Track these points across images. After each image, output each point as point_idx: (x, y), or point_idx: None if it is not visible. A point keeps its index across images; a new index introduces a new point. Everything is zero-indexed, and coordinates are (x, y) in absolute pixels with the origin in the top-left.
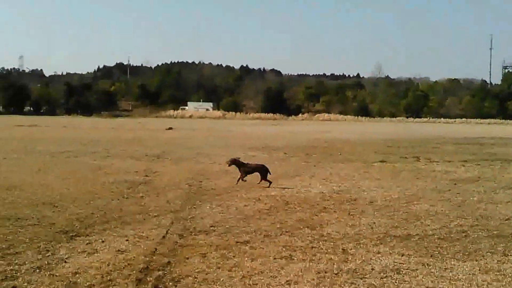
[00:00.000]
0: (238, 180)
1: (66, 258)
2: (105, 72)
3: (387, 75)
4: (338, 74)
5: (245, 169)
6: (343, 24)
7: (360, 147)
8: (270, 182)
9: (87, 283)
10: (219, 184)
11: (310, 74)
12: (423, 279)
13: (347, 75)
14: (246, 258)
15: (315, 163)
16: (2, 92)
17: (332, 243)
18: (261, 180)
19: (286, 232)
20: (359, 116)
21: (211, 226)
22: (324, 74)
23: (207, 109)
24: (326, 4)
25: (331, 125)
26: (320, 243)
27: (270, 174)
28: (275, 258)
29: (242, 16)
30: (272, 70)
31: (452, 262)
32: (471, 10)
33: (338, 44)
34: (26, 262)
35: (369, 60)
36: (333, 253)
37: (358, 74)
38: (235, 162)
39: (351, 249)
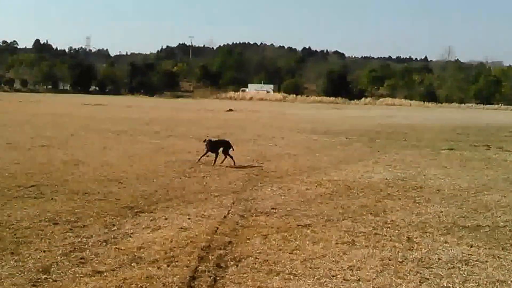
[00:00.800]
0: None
1: (131, 233)
2: (168, 53)
3: (457, 59)
4: (404, 57)
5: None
6: (410, 4)
7: (427, 134)
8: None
9: (151, 258)
10: (280, 167)
11: (375, 57)
12: (493, 272)
13: (413, 58)
14: (307, 242)
15: (379, 149)
16: (70, 71)
17: (396, 231)
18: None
19: (349, 217)
20: (425, 102)
21: (272, 208)
22: (390, 57)
23: (268, 91)
24: None
25: (396, 110)
26: (384, 230)
27: (233, 149)
28: (337, 243)
29: None
30: (335, 52)
31: None
32: None
33: (405, 25)
34: (93, 235)
35: (437, 43)
36: (398, 240)
37: (425, 57)
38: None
39: (416, 238)
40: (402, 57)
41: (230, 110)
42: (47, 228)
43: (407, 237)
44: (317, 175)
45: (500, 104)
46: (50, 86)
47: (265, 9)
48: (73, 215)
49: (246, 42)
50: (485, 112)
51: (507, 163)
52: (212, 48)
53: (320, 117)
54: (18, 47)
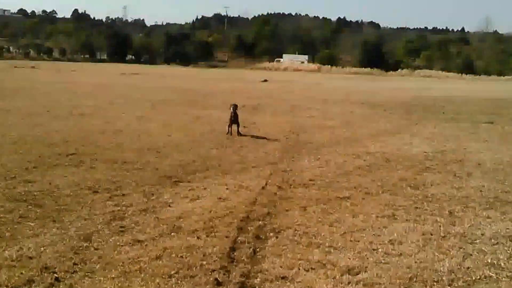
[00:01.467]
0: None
1: (170, 203)
2: (203, 23)
3: (496, 30)
4: (441, 28)
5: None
6: None
7: (465, 106)
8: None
9: (191, 228)
10: (317, 138)
11: (411, 28)
12: None
13: (450, 29)
14: (347, 214)
15: (417, 121)
16: (107, 41)
17: (437, 205)
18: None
19: (388, 190)
20: (463, 74)
21: (310, 180)
22: (426, 28)
23: (302, 62)
24: None
25: (433, 82)
26: (425, 203)
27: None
28: (377, 216)
29: None
30: (370, 22)
31: None
32: None
33: None
34: (133, 204)
35: (475, 13)
36: (439, 215)
37: (463, 28)
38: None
39: (458, 212)
40: (438, 28)
41: (265, 80)
42: (87, 196)
43: (448, 211)
44: (355, 147)
45: None
46: (88, 55)
47: None
48: (113, 184)
49: (281, 13)
50: None
51: None
52: (247, 18)
53: (356, 88)
54: (57, 16)
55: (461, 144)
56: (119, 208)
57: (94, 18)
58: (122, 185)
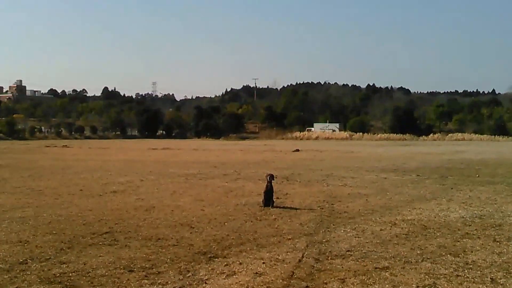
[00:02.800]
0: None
1: (206, 279)
2: (232, 95)
3: None
4: (471, 91)
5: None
6: (474, 36)
7: (500, 169)
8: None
9: None
10: (352, 207)
11: (441, 92)
12: None
13: (481, 92)
14: (387, 285)
15: (452, 186)
16: (138, 117)
17: (479, 272)
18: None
19: (427, 258)
20: (496, 135)
21: (347, 251)
22: (456, 91)
23: (333, 130)
24: (455, 15)
25: (466, 145)
26: (466, 271)
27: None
28: (418, 286)
29: (367, 33)
30: (400, 88)
31: None
32: None
33: (471, 58)
34: (169, 282)
35: (506, 74)
36: (481, 282)
37: (493, 90)
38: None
39: (500, 279)
40: (469, 90)
41: (297, 150)
42: (122, 276)
43: (490, 278)
44: (391, 214)
45: None
46: (119, 132)
47: (327, 48)
48: (148, 262)
49: (310, 82)
50: None
51: None
52: (276, 89)
53: (389, 154)
54: (87, 95)
55: (499, 208)
56: (155, 286)
57: (124, 95)
58: (157, 263)
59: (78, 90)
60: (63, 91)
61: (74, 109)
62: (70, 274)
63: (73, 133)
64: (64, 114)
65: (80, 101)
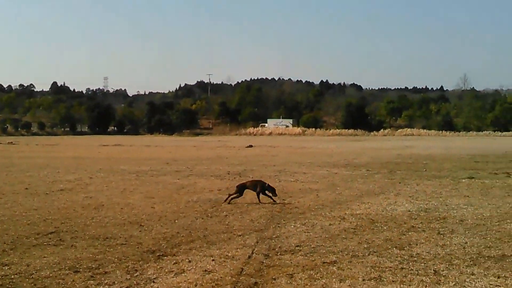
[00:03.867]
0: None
1: (154, 278)
2: (186, 91)
3: (473, 87)
4: (420, 87)
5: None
6: (423, 34)
7: (446, 163)
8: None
9: None
10: (303, 203)
11: (392, 88)
12: None
13: (430, 88)
14: (334, 279)
15: (400, 180)
16: (88, 113)
17: (423, 264)
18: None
19: (374, 252)
20: (443, 131)
21: (296, 246)
22: (406, 88)
23: (287, 126)
24: (405, 15)
25: (415, 140)
26: (410, 263)
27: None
28: (364, 280)
29: (321, 31)
30: (353, 84)
31: None
32: None
33: (420, 55)
34: (116, 282)
35: (453, 72)
36: (425, 274)
37: (441, 87)
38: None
39: (443, 271)
40: (418, 87)
41: (250, 146)
42: (67, 277)
43: (433, 270)
44: (340, 209)
45: None
46: (68, 128)
47: (282, 44)
48: (94, 262)
49: (264, 78)
50: (502, 139)
51: None
52: (231, 84)
53: (340, 150)
54: (35, 90)
55: (444, 201)
56: (101, 287)
57: (74, 90)
58: (104, 263)
59: (26, 85)
60: (9, 86)
61: (21, 104)
62: (13, 276)
63: (19, 129)
64: (10, 110)
65: (28, 97)
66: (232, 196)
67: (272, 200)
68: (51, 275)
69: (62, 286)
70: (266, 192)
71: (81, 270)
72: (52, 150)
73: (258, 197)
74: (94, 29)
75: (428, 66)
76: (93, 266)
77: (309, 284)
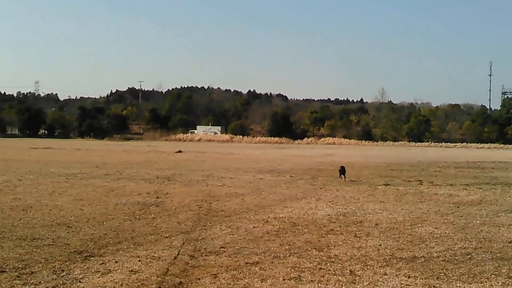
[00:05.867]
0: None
1: (81, 278)
2: (117, 97)
3: (390, 100)
4: (342, 99)
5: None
6: (347, 50)
7: (364, 171)
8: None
9: None
10: (228, 206)
11: (315, 99)
12: None
13: (351, 100)
14: (256, 279)
15: (321, 186)
16: (18, 116)
17: (339, 265)
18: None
19: (295, 253)
20: (362, 140)
21: (221, 247)
22: (329, 99)
23: (215, 133)
24: (330, 29)
25: (336, 149)
26: (328, 264)
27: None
28: (284, 279)
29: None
30: (279, 95)
31: (458, 284)
32: (471, 37)
33: (342, 69)
34: (42, 282)
35: (372, 86)
36: (341, 274)
37: (361, 99)
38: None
39: (358, 271)
40: (340, 99)
41: (180, 151)
42: None
43: (349, 270)
44: (264, 213)
45: (430, 142)
46: None
47: (212, 54)
48: (21, 262)
49: (194, 86)
50: (416, 149)
51: (438, 196)
52: (161, 91)
53: (266, 157)
54: None
55: (361, 206)
56: (27, 287)
57: (4, 93)
58: (30, 263)
59: None
60: None
61: None
62: None
63: None
64: None
65: None
66: None
67: None
68: None
69: None
70: None
71: (7, 270)
72: None
73: None
74: (24, 32)
75: (349, 79)
76: (20, 266)
77: (232, 283)
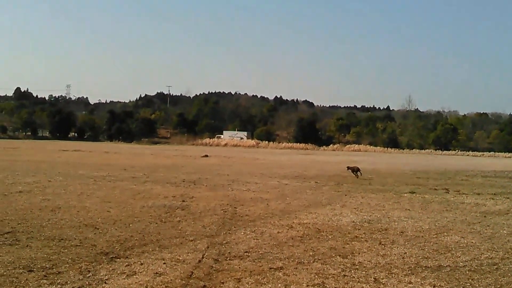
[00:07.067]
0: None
1: (106, 279)
2: (146, 101)
3: (417, 108)
4: (368, 106)
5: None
6: (374, 57)
7: (390, 178)
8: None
9: None
10: (253, 211)
11: (342, 106)
12: None
13: (377, 107)
14: (279, 284)
15: (346, 192)
16: (49, 118)
17: (364, 272)
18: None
19: (319, 259)
20: (388, 148)
21: (245, 252)
22: (355, 106)
23: (241, 138)
24: (359, 37)
25: (361, 156)
26: (352, 271)
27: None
28: (308, 285)
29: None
30: (305, 101)
31: None
32: (500, 45)
33: (369, 77)
34: (68, 282)
35: (399, 93)
36: (365, 282)
37: (388, 107)
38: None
39: (382, 279)
40: (366, 106)
41: (206, 156)
42: (21, 276)
43: (374, 278)
44: (288, 218)
45: (456, 150)
46: (30, 133)
47: (240, 60)
48: (48, 262)
49: (221, 91)
50: (443, 157)
51: (464, 205)
52: (189, 97)
53: (291, 162)
54: None
55: (386, 214)
56: (54, 286)
57: (36, 96)
58: (58, 263)
59: None
60: None
61: None
62: None
63: None
64: None
65: None
66: None
67: None
68: (5, 273)
69: (15, 285)
70: None
71: (35, 269)
72: (12, 153)
73: None
74: (57, 37)
75: (375, 86)
76: (47, 266)
77: None
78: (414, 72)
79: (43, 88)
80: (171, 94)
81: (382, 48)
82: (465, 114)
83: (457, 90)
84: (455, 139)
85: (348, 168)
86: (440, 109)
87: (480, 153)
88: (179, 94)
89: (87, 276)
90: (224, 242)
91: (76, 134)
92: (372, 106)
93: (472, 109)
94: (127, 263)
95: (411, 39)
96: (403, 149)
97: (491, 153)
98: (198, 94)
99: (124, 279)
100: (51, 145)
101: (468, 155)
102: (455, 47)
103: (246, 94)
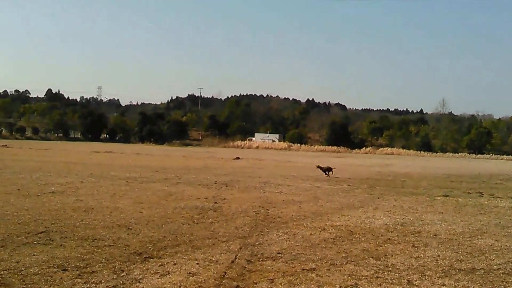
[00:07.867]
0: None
1: (140, 279)
2: (177, 103)
3: (450, 111)
4: (401, 110)
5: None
6: (407, 60)
7: (423, 181)
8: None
9: None
10: (285, 213)
11: (374, 109)
12: None
13: (410, 111)
14: (312, 285)
15: (379, 195)
16: (81, 120)
17: (397, 274)
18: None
19: (352, 261)
20: (421, 151)
21: (278, 253)
22: (388, 109)
23: (273, 141)
24: (391, 40)
25: (394, 159)
26: (385, 273)
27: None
28: (340, 286)
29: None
30: (337, 104)
31: None
32: None
33: (403, 80)
34: (102, 281)
35: (432, 96)
36: (398, 283)
37: (421, 110)
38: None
39: (416, 281)
40: (399, 109)
41: (237, 158)
42: (56, 275)
43: (407, 280)
44: (321, 220)
45: (491, 154)
46: (61, 134)
47: (271, 62)
48: (82, 261)
49: (253, 94)
50: (477, 161)
51: (499, 209)
52: (221, 99)
53: (323, 165)
54: (30, 96)
55: (419, 217)
56: (88, 285)
57: (68, 97)
58: (91, 262)
59: (21, 91)
60: (5, 91)
61: (16, 109)
62: (2, 273)
63: (13, 133)
64: (5, 114)
65: (23, 102)
66: None
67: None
68: (39, 272)
69: (50, 283)
70: None
71: (69, 268)
72: (45, 154)
73: None
74: (89, 40)
75: (409, 89)
76: (81, 265)
77: None
78: (448, 75)
79: (74, 90)
80: (203, 96)
81: (417, 51)
82: (499, 118)
83: (491, 93)
84: (489, 142)
85: (318, 167)
86: (474, 112)
87: None
88: (211, 96)
89: (120, 275)
90: (257, 243)
91: (107, 135)
92: (405, 110)
93: (507, 112)
94: (160, 263)
95: (445, 42)
96: (437, 153)
97: None
98: (229, 97)
99: (158, 278)
100: (83, 147)
101: (502, 159)
102: (490, 50)
103: (277, 96)
